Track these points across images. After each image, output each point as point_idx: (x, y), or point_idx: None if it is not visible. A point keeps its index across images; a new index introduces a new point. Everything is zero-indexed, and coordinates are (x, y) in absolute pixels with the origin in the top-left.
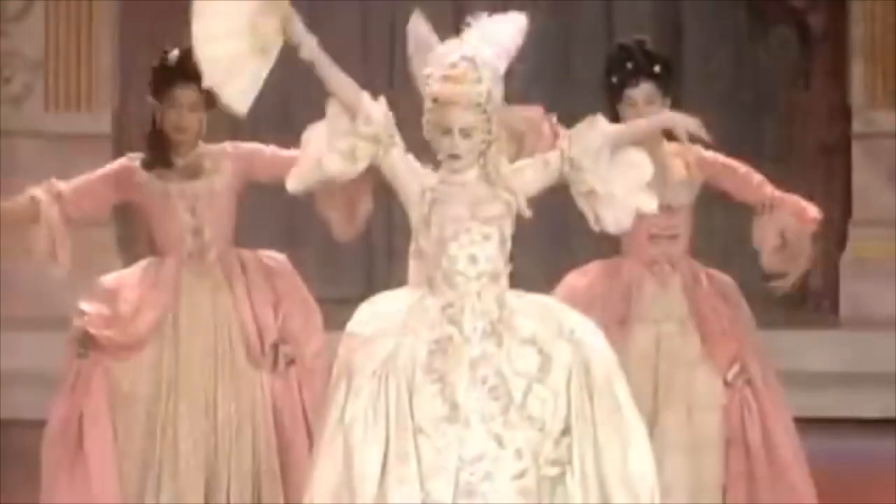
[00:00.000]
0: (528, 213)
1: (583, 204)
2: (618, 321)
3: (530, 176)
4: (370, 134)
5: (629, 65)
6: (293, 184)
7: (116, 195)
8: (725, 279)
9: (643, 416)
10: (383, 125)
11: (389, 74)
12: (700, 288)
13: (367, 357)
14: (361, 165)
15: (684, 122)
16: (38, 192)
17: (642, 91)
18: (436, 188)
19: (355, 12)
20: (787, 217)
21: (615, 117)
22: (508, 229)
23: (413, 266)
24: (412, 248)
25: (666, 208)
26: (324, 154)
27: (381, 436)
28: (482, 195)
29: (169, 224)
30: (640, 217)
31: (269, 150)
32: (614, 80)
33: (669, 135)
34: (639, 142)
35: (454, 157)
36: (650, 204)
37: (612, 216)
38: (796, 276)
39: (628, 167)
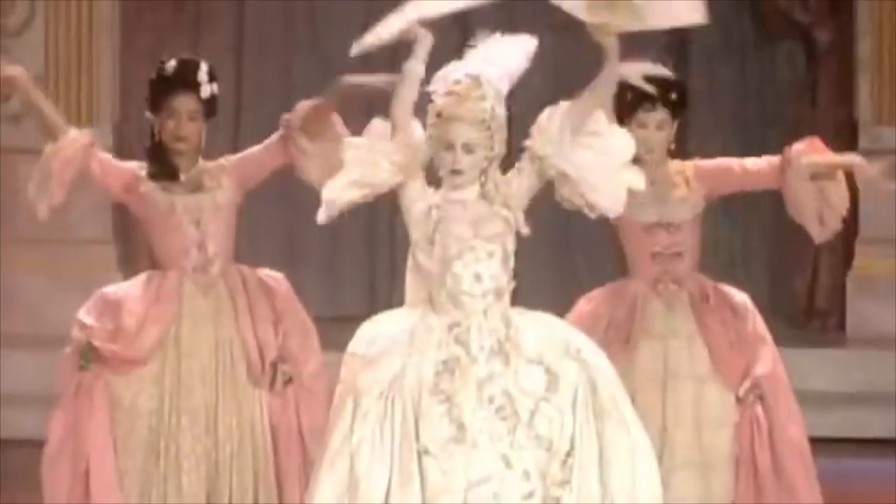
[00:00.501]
0: (525, 230)
1: (569, 195)
2: (623, 339)
3: (515, 185)
4: (414, 149)
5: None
6: (334, 202)
7: (122, 194)
8: (736, 293)
9: (652, 435)
10: (420, 145)
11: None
12: (708, 304)
13: (374, 379)
14: (398, 179)
15: (636, 70)
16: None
17: (656, 117)
18: (440, 206)
19: (357, 13)
20: (803, 160)
21: None
22: (511, 245)
23: (410, 282)
24: (409, 263)
25: (666, 226)
26: (372, 166)
27: (386, 458)
28: (483, 213)
29: (172, 237)
30: (643, 238)
31: (256, 149)
32: (628, 97)
33: (672, 152)
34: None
35: (456, 172)
36: (637, 181)
37: (604, 200)
38: (875, 171)
39: (608, 150)
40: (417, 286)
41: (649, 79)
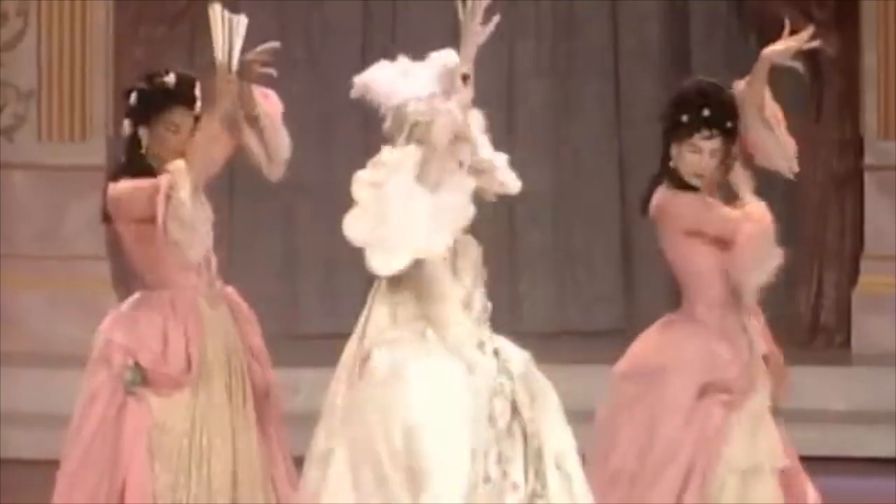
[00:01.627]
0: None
1: (486, 184)
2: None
3: None
4: None
5: (706, 111)
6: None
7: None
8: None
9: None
10: None
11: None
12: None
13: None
14: None
15: (783, 51)
16: None
17: (711, 145)
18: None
19: (354, 27)
20: (746, 101)
21: (667, 151)
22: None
23: (383, 306)
24: (383, 290)
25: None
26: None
27: None
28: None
29: (176, 255)
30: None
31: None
32: (684, 119)
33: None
34: None
35: None
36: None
37: (508, 176)
38: (781, 54)
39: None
40: (389, 312)
41: (709, 103)
